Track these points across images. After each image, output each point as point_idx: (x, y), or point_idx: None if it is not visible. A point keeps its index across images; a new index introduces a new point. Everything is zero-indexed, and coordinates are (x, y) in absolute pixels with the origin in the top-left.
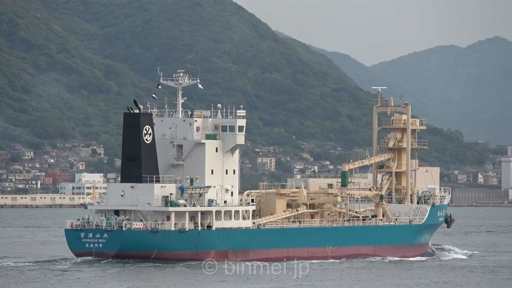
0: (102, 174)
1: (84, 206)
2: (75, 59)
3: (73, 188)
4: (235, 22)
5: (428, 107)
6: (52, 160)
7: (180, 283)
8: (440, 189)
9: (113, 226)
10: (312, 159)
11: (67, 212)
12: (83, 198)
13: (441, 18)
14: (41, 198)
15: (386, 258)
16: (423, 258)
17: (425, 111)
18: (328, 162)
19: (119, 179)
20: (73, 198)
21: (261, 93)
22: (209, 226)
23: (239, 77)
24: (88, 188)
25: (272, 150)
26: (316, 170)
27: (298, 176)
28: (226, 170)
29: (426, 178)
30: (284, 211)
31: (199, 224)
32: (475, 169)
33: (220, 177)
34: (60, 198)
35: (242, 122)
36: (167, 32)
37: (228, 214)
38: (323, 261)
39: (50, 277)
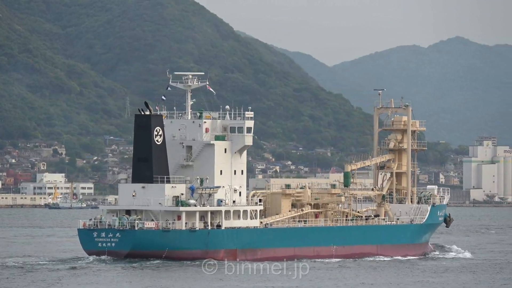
0: (63, 174)
1: (48, 206)
2: (37, 59)
3: (34, 188)
4: (197, 22)
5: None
6: (13, 160)
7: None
8: (439, 189)
9: (126, 225)
10: (273, 159)
11: (31, 213)
12: (44, 198)
13: (402, 18)
14: (2, 198)
15: (392, 257)
16: (424, 257)
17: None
18: (290, 162)
19: (130, 180)
20: (35, 198)
21: (223, 93)
22: (219, 226)
23: (201, 77)
24: (49, 188)
25: None
26: (278, 170)
27: (260, 176)
28: (235, 171)
29: None
30: (289, 210)
31: (209, 224)
32: (436, 169)
33: (229, 177)
34: (21, 198)
35: (250, 124)
36: (129, 32)
37: (236, 213)
38: (322, 261)
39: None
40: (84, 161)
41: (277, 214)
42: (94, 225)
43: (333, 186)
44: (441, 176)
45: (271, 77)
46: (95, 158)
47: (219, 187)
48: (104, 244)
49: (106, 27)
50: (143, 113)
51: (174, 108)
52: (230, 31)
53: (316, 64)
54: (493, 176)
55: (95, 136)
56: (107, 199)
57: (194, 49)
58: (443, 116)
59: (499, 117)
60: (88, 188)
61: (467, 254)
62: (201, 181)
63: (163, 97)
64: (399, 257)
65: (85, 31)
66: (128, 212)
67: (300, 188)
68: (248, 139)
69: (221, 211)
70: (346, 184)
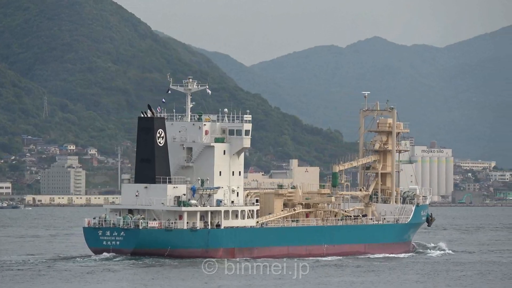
0: None
1: None
2: None
3: None
4: (115, 22)
5: (308, 107)
6: None
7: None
8: (422, 189)
9: (130, 224)
10: None
11: None
12: None
13: (320, 18)
14: None
15: (380, 255)
16: (409, 255)
17: (305, 111)
18: None
19: (133, 180)
20: None
21: (141, 93)
22: (218, 225)
23: (119, 77)
24: None
25: None
26: None
27: None
28: (233, 172)
29: (306, 178)
30: (282, 210)
31: (209, 223)
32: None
33: (227, 178)
34: None
35: (248, 126)
36: (47, 32)
37: (234, 213)
38: (322, 261)
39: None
40: (2, 161)
41: (270, 213)
42: (99, 223)
43: (322, 186)
44: (358, 176)
45: (189, 76)
46: (13, 157)
47: (219, 187)
48: (109, 242)
49: (23, 27)
50: (146, 116)
51: (174, 110)
52: (148, 30)
53: (234, 64)
54: (411, 176)
55: (12, 135)
56: (25, 199)
57: (112, 49)
58: None
59: (417, 117)
60: (6, 187)
61: (449, 251)
62: (202, 182)
63: (163, 100)
64: (387, 255)
65: (2, 30)
66: (130, 211)
67: (291, 188)
68: (246, 141)
69: (220, 211)
70: (334, 184)
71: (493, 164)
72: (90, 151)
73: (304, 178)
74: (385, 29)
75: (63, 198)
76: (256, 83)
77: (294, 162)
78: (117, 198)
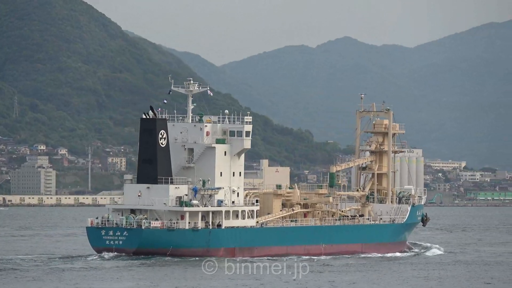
0: None
1: None
2: None
3: None
4: (85, 22)
5: (278, 107)
6: None
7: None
8: (416, 189)
9: (132, 224)
10: None
11: None
12: None
13: (290, 18)
14: None
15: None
16: (405, 254)
17: (275, 111)
18: None
19: (135, 180)
20: None
21: (111, 93)
22: (219, 225)
23: (89, 77)
24: None
25: (122, 150)
26: None
27: None
28: (233, 173)
29: (276, 178)
30: (280, 210)
31: (210, 223)
32: (325, 169)
33: (228, 179)
34: None
35: (248, 128)
36: (17, 32)
37: (235, 213)
38: (322, 260)
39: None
40: None
41: (268, 213)
42: (102, 223)
43: (320, 186)
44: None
45: (159, 76)
46: None
47: (220, 188)
48: (112, 242)
49: None
50: (148, 117)
51: (175, 111)
52: (118, 30)
53: (204, 64)
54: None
55: None
56: None
57: (82, 49)
58: (331, 115)
59: None
60: None
61: (437, 251)
62: (204, 182)
63: (164, 101)
64: (385, 254)
65: None
66: (133, 211)
67: (289, 188)
68: (247, 143)
69: (221, 211)
70: (331, 184)
71: (463, 164)
72: (60, 151)
73: (274, 178)
74: (356, 29)
75: (33, 198)
76: (226, 83)
77: (265, 162)
78: (87, 198)
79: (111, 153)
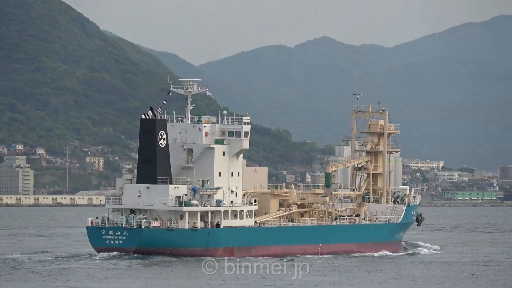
0: None
1: None
2: None
3: None
4: (64, 21)
5: (256, 107)
6: None
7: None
8: (411, 189)
9: (133, 224)
10: None
11: None
12: None
13: (268, 18)
14: None
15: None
16: (401, 254)
17: (253, 110)
18: None
19: (135, 180)
20: None
21: (89, 93)
22: (218, 225)
23: (67, 77)
24: None
25: (100, 150)
26: None
27: (129, 176)
28: (232, 173)
29: (254, 178)
30: (277, 210)
31: (209, 223)
32: (303, 169)
33: (227, 179)
34: None
35: (247, 128)
36: None
37: (234, 213)
38: (321, 260)
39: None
40: None
41: (266, 213)
42: (102, 223)
43: (316, 186)
44: (307, 175)
45: (137, 76)
46: None
47: (219, 188)
48: (112, 241)
49: None
50: (148, 117)
51: (174, 112)
52: (96, 30)
53: (182, 64)
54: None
55: None
56: None
57: (60, 48)
58: (310, 115)
59: None
60: None
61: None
62: (203, 182)
63: (164, 102)
64: (380, 254)
65: None
66: (132, 211)
67: (286, 188)
68: (245, 143)
69: (220, 211)
70: (328, 184)
71: (441, 164)
72: (38, 151)
73: (252, 178)
74: (334, 29)
75: (11, 198)
76: (204, 83)
77: (243, 162)
78: (65, 198)
79: (89, 153)
